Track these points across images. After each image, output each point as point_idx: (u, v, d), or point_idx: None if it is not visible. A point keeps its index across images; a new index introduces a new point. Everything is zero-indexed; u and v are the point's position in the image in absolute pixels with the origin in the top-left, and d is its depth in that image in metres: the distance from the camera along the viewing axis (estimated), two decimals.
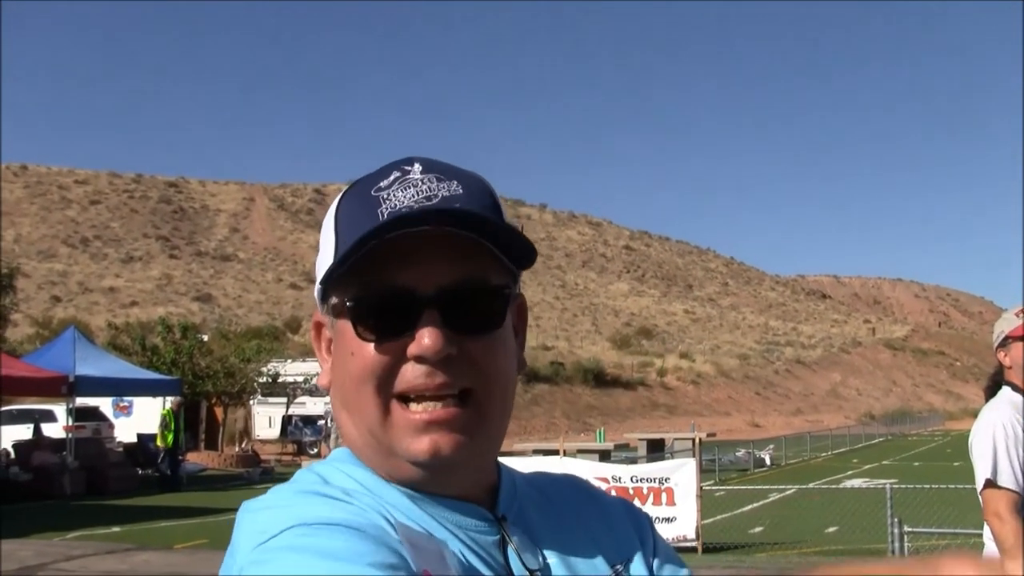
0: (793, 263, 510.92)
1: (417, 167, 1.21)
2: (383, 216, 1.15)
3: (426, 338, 1.13)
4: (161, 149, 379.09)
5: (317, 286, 1.23)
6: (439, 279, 1.15)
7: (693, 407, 74.67)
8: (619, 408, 68.72)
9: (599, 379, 71.99)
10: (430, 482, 1.19)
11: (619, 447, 30.82)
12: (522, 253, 1.21)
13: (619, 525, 1.37)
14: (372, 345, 1.16)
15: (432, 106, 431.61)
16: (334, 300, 1.21)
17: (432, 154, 1.24)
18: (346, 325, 1.19)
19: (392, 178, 1.20)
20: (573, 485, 1.41)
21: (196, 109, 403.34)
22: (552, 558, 1.24)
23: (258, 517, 1.10)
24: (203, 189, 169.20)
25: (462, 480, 1.22)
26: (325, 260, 1.21)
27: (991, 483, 4.09)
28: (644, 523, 1.41)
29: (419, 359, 1.15)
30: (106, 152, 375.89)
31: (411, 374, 1.15)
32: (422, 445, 1.15)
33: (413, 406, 1.16)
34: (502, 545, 1.21)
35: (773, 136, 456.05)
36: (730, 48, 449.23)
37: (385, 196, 1.18)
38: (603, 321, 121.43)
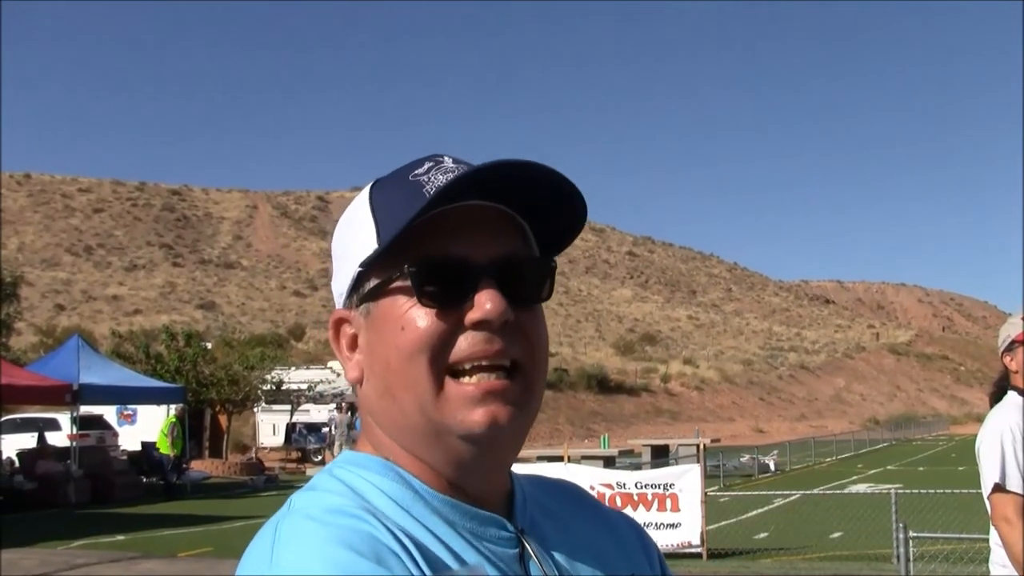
0: (797, 268, 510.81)
1: (447, 158, 1.23)
2: (429, 195, 1.15)
3: (488, 303, 1.14)
4: (164, 157, 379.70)
5: (353, 272, 1.22)
6: (489, 251, 1.17)
7: (697, 413, 74.60)
8: (623, 414, 68.69)
9: (603, 385, 71.96)
10: (475, 463, 1.19)
11: (623, 453, 30.77)
12: (566, 230, 1.26)
13: (627, 541, 1.36)
14: (430, 314, 1.16)
15: (435, 113, 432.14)
16: (373, 283, 1.21)
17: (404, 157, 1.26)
18: (392, 303, 1.19)
19: (427, 167, 1.21)
20: (574, 494, 1.40)
21: (199, 116, 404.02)
22: (567, 573, 1.23)
23: (300, 560, 1.05)
24: (206, 197, 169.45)
25: (499, 465, 1.23)
26: (362, 245, 1.21)
27: (999, 487, 4.07)
28: (651, 546, 1.41)
29: (480, 324, 1.15)
30: (109, 160, 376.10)
31: (468, 342, 1.15)
32: (479, 416, 1.14)
33: (465, 379, 1.16)
34: (521, 559, 1.20)
35: (776, 141, 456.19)
36: (733, 52, 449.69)
37: (425, 179, 1.19)
38: (607, 327, 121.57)
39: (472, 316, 1.15)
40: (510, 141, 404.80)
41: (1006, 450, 4.09)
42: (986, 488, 4.14)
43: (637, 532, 1.40)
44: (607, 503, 13.92)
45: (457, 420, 1.15)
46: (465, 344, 1.15)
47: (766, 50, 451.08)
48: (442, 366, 1.16)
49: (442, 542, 1.15)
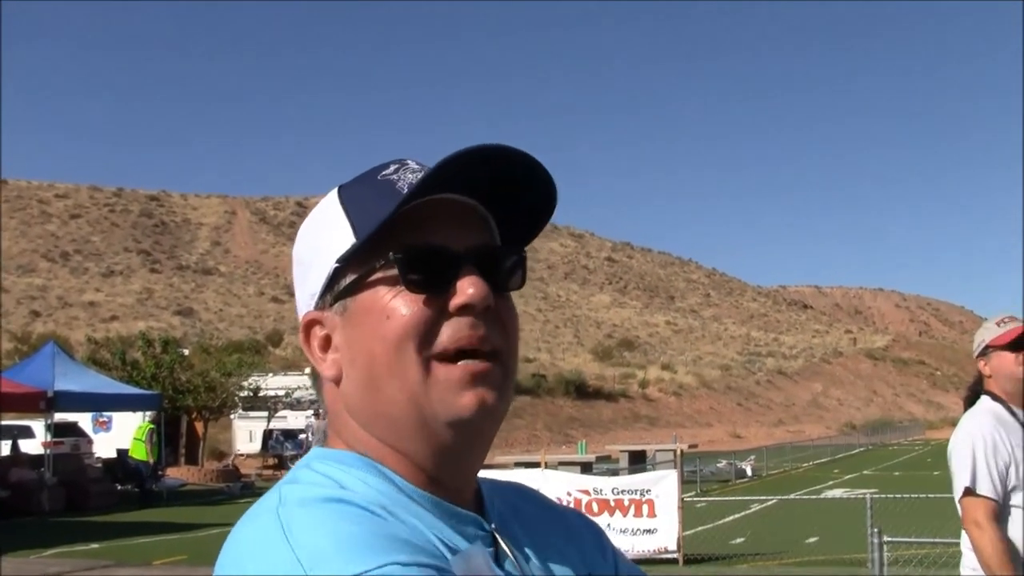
0: (775, 274, 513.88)
1: (411, 161, 1.25)
2: (404, 191, 1.17)
3: (471, 287, 1.17)
4: (142, 163, 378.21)
5: (328, 270, 1.22)
6: (466, 240, 1.20)
7: (675, 418, 74.79)
8: (601, 420, 68.77)
9: (581, 391, 72.02)
10: (459, 451, 1.20)
11: (601, 459, 30.94)
12: (536, 217, 1.28)
13: (584, 540, 1.38)
14: (415, 301, 1.17)
15: (412, 118, 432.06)
16: (350, 278, 1.21)
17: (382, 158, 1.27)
18: (373, 295, 1.19)
19: (393, 168, 1.24)
20: (530, 495, 1.41)
21: (178, 122, 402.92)
22: (537, 571, 1.25)
23: (328, 543, 1.05)
24: (184, 202, 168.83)
25: (479, 454, 1.24)
26: (337, 243, 1.21)
27: (970, 491, 4.09)
28: (600, 533, 1.42)
29: (464, 309, 1.17)
30: (87, 166, 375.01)
31: (452, 328, 1.17)
32: (468, 399, 1.16)
33: (452, 365, 1.17)
34: (496, 557, 1.20)
35: (755, 146, 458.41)
36: (712, 58, 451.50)
37: (396, 178, 1.21)
38: (585, 333, 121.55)
39: (456, 301, 1.17)
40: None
41: (977, 454, 4.11)
42: (957, 492, 4.16)
43: (593, 530, 1.42)
44: (584, 509, 13.90)
45: (447, 404, 1.16)
46: (450, 330, 1.17)
47: (744, 56, 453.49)
48: (428, 354, 1.17)
49: (433, 532, 1.15)
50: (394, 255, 1.18)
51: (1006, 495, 4.09)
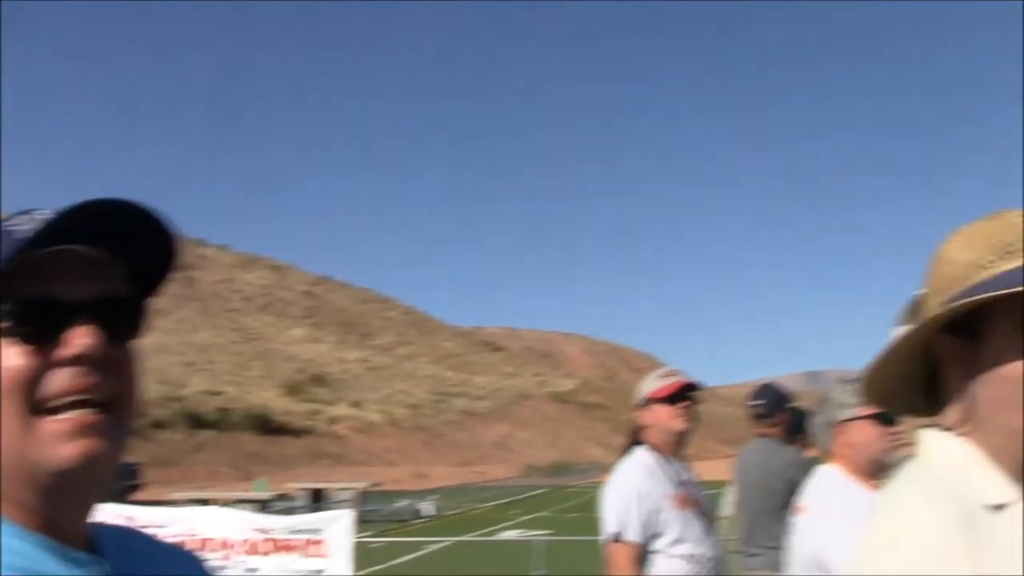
0: (473, 314, 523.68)
1: (42, 210, 1.20)
2: (23, 240, 1.13)
3: (81, 339, 1.14)
4: None
5: None
6: (85, 290, 1.17)
7: (361, 456, 74.74)
8: (286, 456, 67.81)
9: (266, 426, 71.06)
10: (69, 498, 1.17)
11: (281, 497, 30.43)
12: (161, 268, 1.26)
13: (188, 568, 1.36)
14: (24, 353, 1.14)
15: (109, 140, 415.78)
16: None
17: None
18: None
19: (16, 218, 1.19)
20: (134, 533, 1.36)
21: None
22: None
23: None
24: None
25: (93, 500, 1.20)
26: None
27: (616, 537, 4.18)
28: (200, 564, 1.41)
29: (75, 360, 1.14)
30: None
31: (62, 378, 1.14)
32: (72, 450, 1.13)
33: (59, 416, 1.13)
34: None
35: (452, 186, 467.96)
36: (403, 98, 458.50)
37: (17, 228, 1.16)
38: (276, 367, 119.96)
39: (66, 352, 1.14)
40: (191, 173, 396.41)
41: (626, 502, 4.22)
42: (605, 537, 4.25)
43: (195, 562, 1.40)
44: (256, 549, 13.27)
45: (50, 454, 1.12)
46: (59, 380, 1.14)
47: (433, 91, 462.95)
48: (36, 404, 1.13)
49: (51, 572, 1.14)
50: (4, 307, 1.13)
51: (649, 541, 4.20)
